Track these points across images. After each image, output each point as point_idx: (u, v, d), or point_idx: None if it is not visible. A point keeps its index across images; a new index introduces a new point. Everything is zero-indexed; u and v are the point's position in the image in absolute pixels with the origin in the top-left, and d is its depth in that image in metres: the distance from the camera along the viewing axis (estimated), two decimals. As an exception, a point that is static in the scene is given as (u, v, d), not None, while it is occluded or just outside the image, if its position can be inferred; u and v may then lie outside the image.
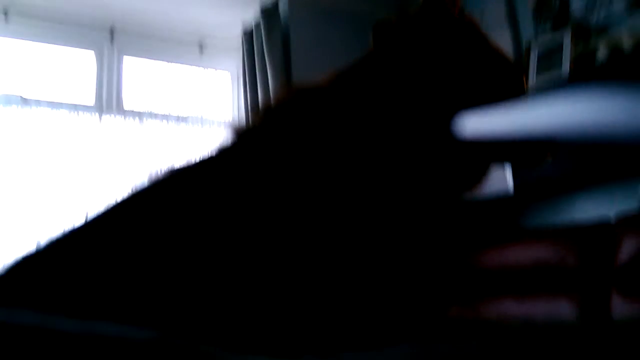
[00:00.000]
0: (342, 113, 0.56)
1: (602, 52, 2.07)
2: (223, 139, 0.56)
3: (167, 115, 2.80)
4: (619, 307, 1.78)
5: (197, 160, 0.53)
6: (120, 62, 2.83)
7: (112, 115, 2.68)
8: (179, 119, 2.82)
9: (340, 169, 0.51)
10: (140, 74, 2.90)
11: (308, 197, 0.48)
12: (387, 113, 0.57)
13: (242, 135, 0.55)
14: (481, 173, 0.68)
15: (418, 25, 0.67)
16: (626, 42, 1.99)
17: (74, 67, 2.75)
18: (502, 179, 2.36)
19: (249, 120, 0.59)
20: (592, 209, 2.25)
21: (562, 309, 1.97)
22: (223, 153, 0.53)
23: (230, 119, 2.98)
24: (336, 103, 0.57)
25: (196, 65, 3.03)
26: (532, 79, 2.43)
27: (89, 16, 2.70)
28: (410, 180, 0.55)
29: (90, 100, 2.69)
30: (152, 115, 2.77)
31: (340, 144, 0.53)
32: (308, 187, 0.49)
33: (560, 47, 2.34)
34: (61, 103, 2.59)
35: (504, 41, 2.68)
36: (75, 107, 2.61)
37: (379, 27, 0.77)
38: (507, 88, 0.72)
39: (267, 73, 2.85)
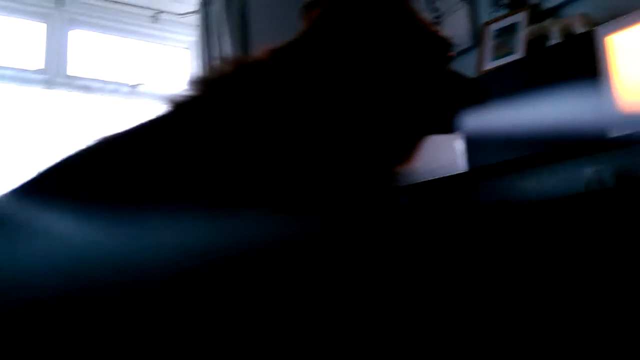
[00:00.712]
0: (279, 89, 0.56)
1: (554, 35, 2.09)
2: (162, 109, 0.56)
3: (118, 88, 2.73)
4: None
5: (128, 128, 0.53)
6: (67, 33, 2.72)
7: (60, 88, 2.60)
8: (131, 92, 2.75)
9: (274, 144, 0.51)
10: (90, 47, 2.80)
11: (240, 173, 0.48)
12: (318, 90, 0.57)
13: (180, 106, 0.55)
14: (409, 147, 0.69)
15: (348, 4, 0.67)
16: (577, 25, 2.00)
17: (23, 39, 2.64)
18: (454, 159, 2.38)
19: (187, 91, 0.58)
20: (541, 190, 2.29)
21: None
22: (158, 122, 0.53)
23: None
24: (273, 80, 0.57)
25: (150, 39, 2.95)
26: (488, 59, 2.44)
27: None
28: (342, 154, 0.55)
29: (39, 73, 2.59)
30: (102, 87, 2.69)
31: (275, 118, 0.53)
32: (243, 163, 0.49)
33: (515, 29, 2.35)
34: (6, 70, 2.48)
35: (461, 21, 2.67)
36: (22, 80, 2.52)
37: (309, 5, 0.77)
38: (435, 63, 0.74)
39: (224, 45, 2.79)
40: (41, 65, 2.60)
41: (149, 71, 2.88)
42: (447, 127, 0.78)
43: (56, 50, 2.65)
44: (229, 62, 0.60)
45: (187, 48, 3.05)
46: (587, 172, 2.05)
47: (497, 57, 2.40)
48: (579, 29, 1.99)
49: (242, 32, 2.83)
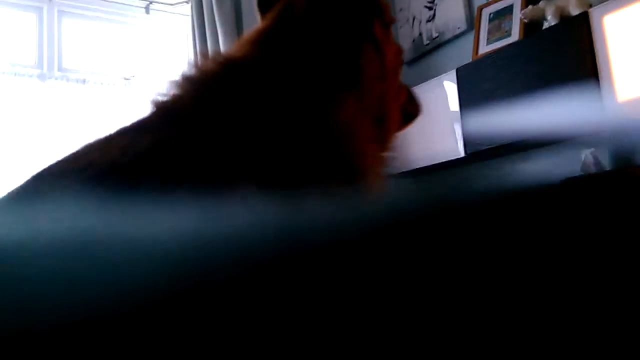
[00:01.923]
0: (273, 97, 0.50)
1: (550, 18, 2.08)
2: (145, 110, 0.51)
3: (112, 77, 2.71)
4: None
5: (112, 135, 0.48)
6: (60, 25, 2.70)
7: (54, 79, 2.58)
8: (125, 81, 2.73)
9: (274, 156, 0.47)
10: (83, 38, 2.77)
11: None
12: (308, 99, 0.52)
13: (165, 109, 0.50)
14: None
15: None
16: (572, 8, 1.99)
17: (15, 31, 2.61)
18: (454, 147, 2.38)
19: (173, 92, 0.50)
20: (538, 175, 2.30)
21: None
22: (141, 126, 0.49)
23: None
24: (265, 86, 0.52)
25: (142, 26, 2.92)
26: (483, 42, 2.44)
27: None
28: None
29: (32, 64, 2.57)
30: (96, 79, 2.67)
31: (271, 127, 0.48)
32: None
33: (510, 11, 2.34)
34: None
35: (456, 5, 2.66)
36: (15, 72, 2.49)
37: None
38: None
39: (217, 32, 2.77)
40: (35, 58, 2.59)
41: (143, 62, 2.86)
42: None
43: (49, 43, 2.63)
44: (213, 59, 0.54)
45: (179, 38, 3.03)
46: (584, 154, 2.06)
47: (492, 41, 2.39)
48: (574, 9, 1.98)
49: (235, 21, 2.81)
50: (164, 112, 0.48)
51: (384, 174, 0.56)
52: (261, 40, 0.59)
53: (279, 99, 0.49)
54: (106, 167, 0.39)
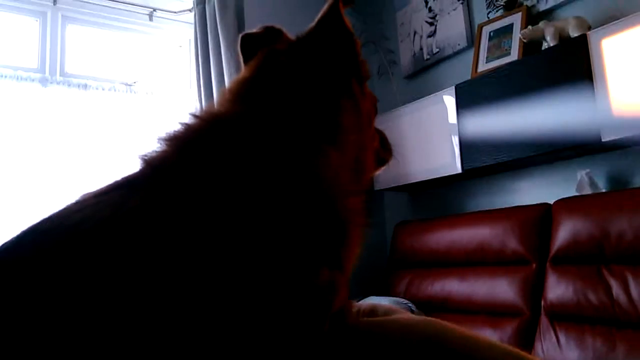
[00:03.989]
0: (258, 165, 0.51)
1: (549, 37, 2.10)
2: (133, 168, 0.50)
3: (114, 83, 2.72)
4: (554, 285, 1.86)
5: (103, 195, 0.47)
6: (64, 30, 2.71)
7: (56, 84, 2.58)
8: (127, 88, 2.74)
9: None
10: (86, 44, 2.78)
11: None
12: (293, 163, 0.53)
13: (152, 167, 0.50)
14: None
15: (302, 49, 0.66)
16: (572, 30, 2.02)
17: (18, 36, 2.63)
18: (452, 163, 2.39)
19: (161, 149, 0.52)
20: (533, 193, 2.31)
21: (502, 288, 2.04)
22: (132, 183, 0.48)
23: (182, 90, 2.91)
24: (252, 140, 0.53)
25: (146, 33, 2.94)
26: (483, 60, 2.46)
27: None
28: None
29: (34, 69, 2.58)
30: (99, 85, 2.67)
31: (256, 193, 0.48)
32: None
33: (510, 30, 2.36)
34: (2, 69, 2.46)
35: (457, 22, 2.69)
36: (17, 76, 2.50)
37: (245, 40, 0.74)
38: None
39: (219, 43, 2.79)
40: (37, 62, 2.59)
41: (145, 68, 2.87)
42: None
43: (51, 48, 2.64)
44: (199, 116, 0.56)
45: (182, 46, 3.05)
46: (579, 174, 2.07)
47: (492, 59, 2.41)
48: (574, 31, 2.01)
49: (237, 30, 2.82)
50: (152, 170, 0.50)
51: (363, 221, 0.57)
52: (243, 93, 0.61)
53: (262, 158, 0.50)
54: (97, 226, 0.42)
